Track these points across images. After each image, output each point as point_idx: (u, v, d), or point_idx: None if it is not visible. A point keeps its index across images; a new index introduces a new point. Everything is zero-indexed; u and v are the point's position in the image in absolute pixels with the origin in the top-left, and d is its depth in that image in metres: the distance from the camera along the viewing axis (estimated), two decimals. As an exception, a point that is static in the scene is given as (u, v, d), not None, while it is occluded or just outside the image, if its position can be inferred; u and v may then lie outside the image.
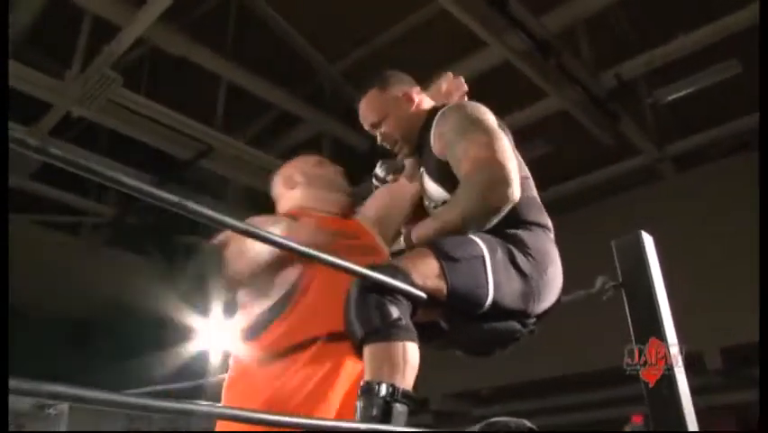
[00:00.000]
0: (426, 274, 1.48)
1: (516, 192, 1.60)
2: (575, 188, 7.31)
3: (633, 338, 1.67)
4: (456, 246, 1.56)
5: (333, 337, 1.64)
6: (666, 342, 1.61)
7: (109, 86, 5.15)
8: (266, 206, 2.16)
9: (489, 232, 1.63)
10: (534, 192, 1.83)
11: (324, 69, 6.53)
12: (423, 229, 1.69)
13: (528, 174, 1.84)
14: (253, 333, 1.77)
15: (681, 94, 5.96)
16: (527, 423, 1.58)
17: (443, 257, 1.52)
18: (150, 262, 8.51)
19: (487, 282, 1.53)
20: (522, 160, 1.85)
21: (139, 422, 7.69)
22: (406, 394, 1.33)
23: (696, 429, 1.54)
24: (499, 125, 1.79)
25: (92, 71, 5.07)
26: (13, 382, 0.74)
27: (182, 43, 5.39)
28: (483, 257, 1.55)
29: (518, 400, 8.19)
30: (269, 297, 1.78)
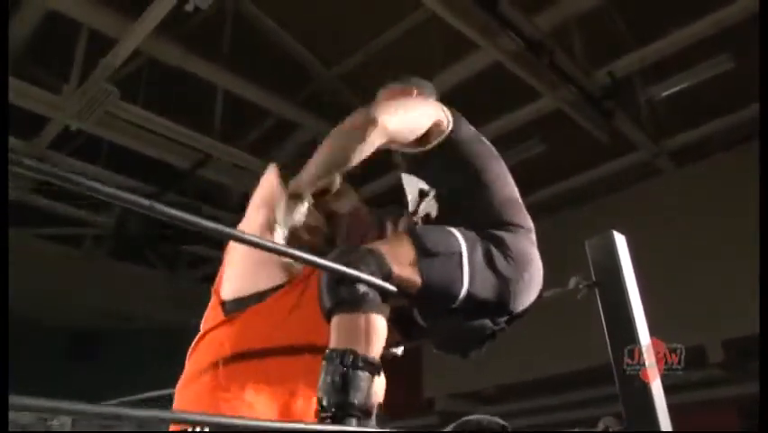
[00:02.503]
0: (402, 262, 1.53)
1: (386, 124, 1.61)
2: (573, 185, 7.33)
3: (606, 336, 1.70)
4: (435, 239, 1.59)
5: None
6: (638, 340, 1.63)
7: (106, 98, 5.17)
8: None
9: (473, 229, 1.66)
10: (516, 193, 1.86)
11: (321, 74, 6.55)
12: (305, 171, 1.68)
13: (507, 174, 1.88)
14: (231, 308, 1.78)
15: (676, 89, 5.99)
16: (500, 421, 1.60)
17: (421, 250, 1.56)
18: (152, 272, 8.54)
19: (462, 279, 1.57)
20: (503, 164, 1.90)
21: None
22: (366, 360, 1.38)
23: (669, 427, 1.55)
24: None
25: (89, 85, 5.10)
26: (12, 398, 0.76)
27: (178, 54, 5.41)
28: (461, 253, 1.58)
29: (525, 399, 8.19)
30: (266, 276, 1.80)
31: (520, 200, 1.85)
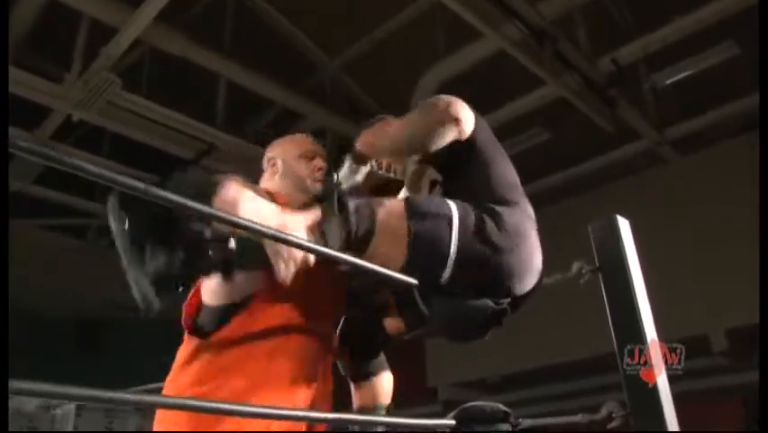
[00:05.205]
0: (392, 212, 1.57)
1: (463, 126, 1.71)
2: (577, 174, 7.30)
3: (610, 323, 1.67)
4: (427, 203, 1.63)
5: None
6: (642, 326, 1.60)
7: (108, 88, 5.16)
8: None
9: (470, 202, 1.66)
10: (517, 179, 1.86)
11: (324, 63, 6.53)
12: (378, 137, 1.80)
13: (508, 160, 1.89)
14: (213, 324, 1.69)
15: (680, 77, 5.95)
16: (502, 407, 1.59)
17: (411, 207, 1.59)
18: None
19: (449, 238, 1.55)
20: (503, 152, 1.90)
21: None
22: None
23: (676, 427, 1.53)
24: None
25: (91, 74, 5.08)
26: (13, 384, 0.75)
27: (180, 43, 5.39)
28: (451, 217, 1.58)
29: (529, 388, 8.21)
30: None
31: (520, 186, 1.84)
